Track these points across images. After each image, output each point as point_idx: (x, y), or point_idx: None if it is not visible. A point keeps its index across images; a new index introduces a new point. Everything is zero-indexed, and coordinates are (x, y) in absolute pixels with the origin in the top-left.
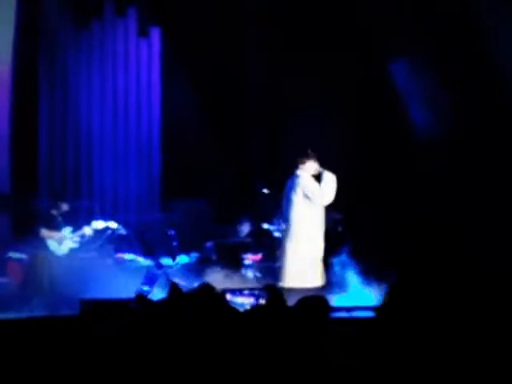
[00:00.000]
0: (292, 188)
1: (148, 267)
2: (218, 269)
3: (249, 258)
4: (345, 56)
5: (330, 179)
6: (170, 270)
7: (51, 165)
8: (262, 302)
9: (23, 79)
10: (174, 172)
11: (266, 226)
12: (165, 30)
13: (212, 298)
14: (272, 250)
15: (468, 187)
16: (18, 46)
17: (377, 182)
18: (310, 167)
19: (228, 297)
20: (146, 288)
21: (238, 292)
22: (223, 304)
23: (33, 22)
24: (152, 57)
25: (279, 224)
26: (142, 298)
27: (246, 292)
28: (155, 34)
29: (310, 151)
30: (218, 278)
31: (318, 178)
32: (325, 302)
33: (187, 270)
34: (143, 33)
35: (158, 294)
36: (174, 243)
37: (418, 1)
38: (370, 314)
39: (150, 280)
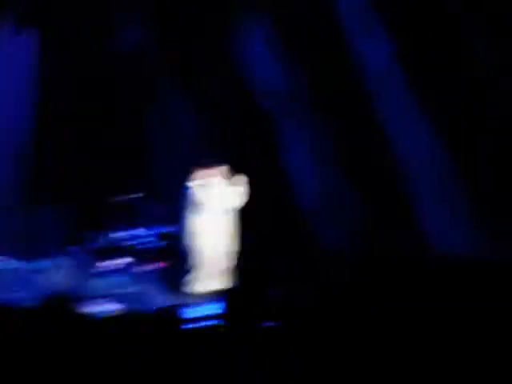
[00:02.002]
0: (187, 196)
1: None
2: (78, 274)
3: (115, 264)
4: None
5: (225, 187)
6: None
7: None
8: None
9: None
10: (42, 175)
11: (137, 232)
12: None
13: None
14: (141, 256)
15: None
16: None
17: None
18: (205, 174)
19: (78, 304)
20: None
21: (90, 299)
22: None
23: None
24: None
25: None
26: None
27: (99, 300)
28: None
29: (205, 159)
30: (74, 284)
31: None
32: (175, 314)
33: (45, 274)
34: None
35: None
36: None
37: None
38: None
39: None
